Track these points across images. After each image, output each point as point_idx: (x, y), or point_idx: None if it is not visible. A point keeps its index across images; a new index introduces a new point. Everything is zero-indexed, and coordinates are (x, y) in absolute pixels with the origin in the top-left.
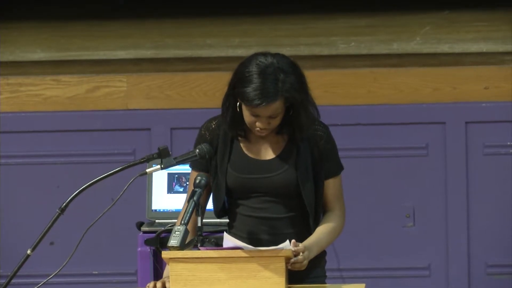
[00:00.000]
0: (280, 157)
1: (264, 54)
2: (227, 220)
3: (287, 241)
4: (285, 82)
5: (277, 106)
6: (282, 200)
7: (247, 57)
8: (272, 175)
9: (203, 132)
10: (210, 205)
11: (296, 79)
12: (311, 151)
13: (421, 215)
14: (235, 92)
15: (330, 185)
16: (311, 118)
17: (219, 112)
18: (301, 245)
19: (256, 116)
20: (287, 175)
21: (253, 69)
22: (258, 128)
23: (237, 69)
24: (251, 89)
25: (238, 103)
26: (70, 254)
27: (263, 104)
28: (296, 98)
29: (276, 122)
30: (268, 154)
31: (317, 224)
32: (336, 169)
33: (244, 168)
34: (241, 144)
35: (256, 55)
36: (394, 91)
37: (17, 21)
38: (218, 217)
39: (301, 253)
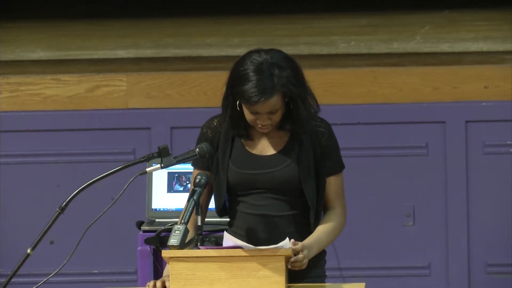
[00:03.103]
0: (282, 152)
1: (258, 51)
2: (228, 219)
3: (287, 239)
4: (281, 77)
5: (275, 102)
6: (283, 197)
7: (241, 57)
8: (273, 170)
9: (204, 130)
10: (211, 204)
11: (292, 73)
12: (313, 147)
13: (421, 214)
14: (233, 91)
15: (332, 182)
16: (312, 111)
17: (219, 111)
18: (300, 244)
19: (256, 113)
20: (288, 170)
21: (248, 67)
22: (260, 125)
23: (232, 68)
24: (248, 87)
25: (238, 102)
26: (70, 253)
27: (261, 100)
28: (294, 92)
29: (277, 117)
30: (270, 149)
31: (317, 222)
32: (337, 166)
33: (246, 164)
34: (243, 140)
35: (250, 53)
36: (394, 90)
37: (17, 21)
38: (220, 215)
39: (300, 252)
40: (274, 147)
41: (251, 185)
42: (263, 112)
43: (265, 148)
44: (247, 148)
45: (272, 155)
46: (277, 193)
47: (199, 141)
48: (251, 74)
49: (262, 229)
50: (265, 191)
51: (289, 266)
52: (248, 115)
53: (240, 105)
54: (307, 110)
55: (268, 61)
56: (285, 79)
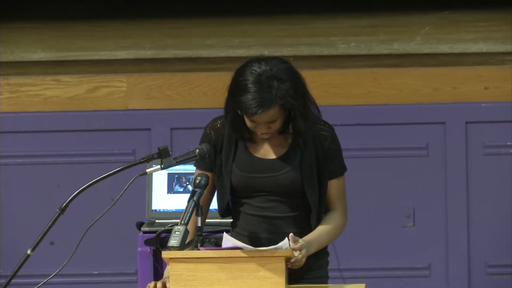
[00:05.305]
0: (285, 156)
1: (258, 61)
2: (229, 220)
3: (286, 239)
4: (280, 89)
5: (273, 113)
6: (286, 200)
7: (242, 64)
8: (276, 174)
9: (208, 131)
10: (213, 205)
11: (291, 85)
12: (315, 151)
13: (421, 215)
14: (233, 99)
15: (333, 185)
16: (311, 121)
17: (219, 112)
18: (301, 240)
19: (254, 122)
20: (291, 174)
21: (248, 77)
22: (259, 133)
23: (233, 76)
24: (246, 99)
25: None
26: (70, 254)
27: (258, 112)
28: (292, 104)
29: (276, 126)
30: (273, 153)
31: (319, 223)
32: (339, 169)
33: (249, 167)
34: (246, 143)
35: (250, 62)
36: (394, 91)
37: (17, 21)
38: (223, 217)
39: (299, 251)
40: (277, 150)
41: (254, 188)
42: (261, 122)
43: (268, 151)
44: (250, 151)
45: (275, 158)
46: (280, 195)
47: (202, 142)
48: (250, 85)
49: (264, 230)
50: (268, 194)
51: (289, 266)
52: (248, 123)
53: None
54: (304, 122)
55: (268, 73)
56: (284, 91)
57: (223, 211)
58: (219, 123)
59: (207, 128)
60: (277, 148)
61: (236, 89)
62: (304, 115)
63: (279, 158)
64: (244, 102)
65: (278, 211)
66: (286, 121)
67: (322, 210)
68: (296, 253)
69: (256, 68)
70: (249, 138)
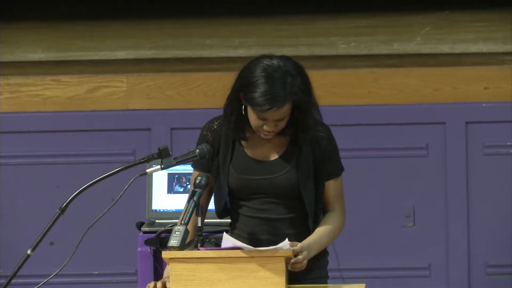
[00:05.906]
0: (282, 158)
1: (270, 57)
2: (228, 220)
3: (286, 239)
4: (293, 85)
5: (285, 110)
6: (283, 201)
7: (250, 61)
8: (273, 176)
9: (205, 132)
10: (211, 205)
11: (302, 81)
12: (312, 152)
13: (421, 215)
14: (240, 96)
15: (331, 186)
16: (315, 120)
17: (219, 112)
18: (299, 244)
19: (263, 119)
20: (288, 176)
21: (260, 73)
22: (265, 132)
23: (241, 73)
24: (260, 94)
25: (243, 107)
26: (70, 254)
27: (274, 108)
28: (304, 100)
29: (283, 124)
30: (270, 155)
31: (316, 225)
32: (337, 170)
33: (246, 169)
34: (243, 145)
35: (260, 58)
36: (394, 92)
37: (17, 21)
38: (220, 218)
39: (300, 253)
40: (274, 152)
41: (251, 190)
42: (271, 119)
43: (265, 153)
44: (247, 153)
45: (272, 160)
46: (277, 197)
47: (199, 143)
48: (263, 80)
49: (264, 232)
50: (265, 196)
51: (289, 267)
52: (254, 120)
53: (245, 110)
54: (313, 119)
55: (282, 69)
56: (297, 87)
57: (220, 212)
58: (216, 124)
59: (204, 129)
60: (274, 150)
61: (246, 86)
62: (312, 111)
63: (276, 160)
64: (258, 98)
65: (276, 212)
66: (287, 122)
67: (319, 211)
68: (300, 257)
69: (269, 64)
70: (247, 139)
